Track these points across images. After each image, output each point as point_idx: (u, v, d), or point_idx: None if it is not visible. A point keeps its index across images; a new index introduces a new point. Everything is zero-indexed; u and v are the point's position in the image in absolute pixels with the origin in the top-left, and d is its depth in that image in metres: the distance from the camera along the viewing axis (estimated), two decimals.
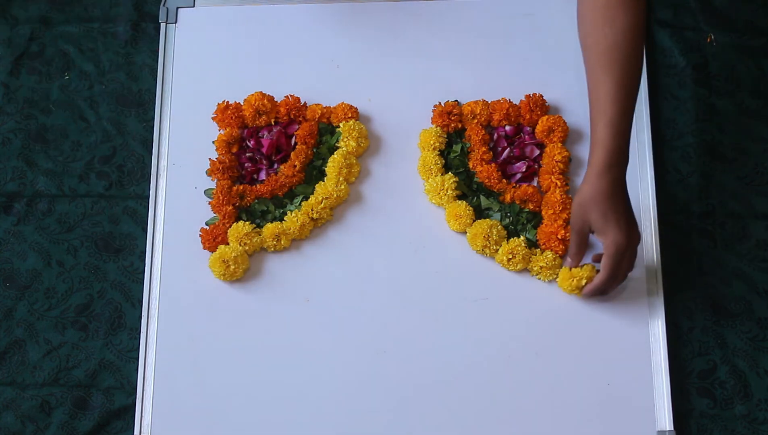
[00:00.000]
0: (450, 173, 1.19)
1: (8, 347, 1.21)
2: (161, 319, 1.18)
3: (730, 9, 1.31)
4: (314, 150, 1.23)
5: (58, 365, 1.20)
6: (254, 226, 1.19)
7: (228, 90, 1.26)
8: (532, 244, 1.17)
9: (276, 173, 1.22)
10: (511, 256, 1.15)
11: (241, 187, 1.21)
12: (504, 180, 1.19)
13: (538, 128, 1.21)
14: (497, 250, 1.16)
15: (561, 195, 1.17)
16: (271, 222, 1.19)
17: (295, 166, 1.21)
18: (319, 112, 1.23)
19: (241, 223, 1.19)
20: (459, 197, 1.19)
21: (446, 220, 1.19)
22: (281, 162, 1.22)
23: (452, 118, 1.22)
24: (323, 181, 1.21)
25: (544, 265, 1.15)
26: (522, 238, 1.17)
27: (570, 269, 1.13)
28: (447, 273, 1.18)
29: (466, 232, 1.18)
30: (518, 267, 1.16)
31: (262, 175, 1.22)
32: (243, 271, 1.18)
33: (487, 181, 1.19)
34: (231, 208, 1.20)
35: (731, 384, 1.15)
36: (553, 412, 1.12)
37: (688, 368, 1.16)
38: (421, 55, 1.28)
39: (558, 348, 1.14)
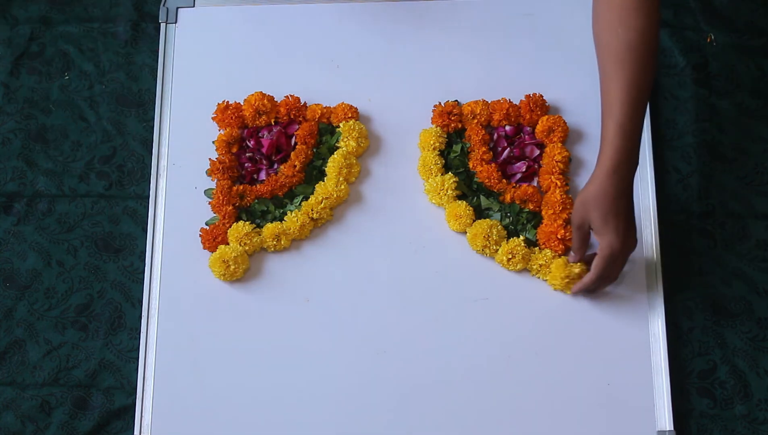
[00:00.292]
0: (450, 173, 1.19)
1: (8, 347, 1.22)
2: (161, 319, 1.18)
3: (730, 9, 1.31)
4: (314, 150, 1.23)
5: (58, 365, 1.20)
6: (254, 226, 1.19)
7: (228, 90, 1.26)
8: (531, 244, 1.17)
9: (276, 173, 1.22)
10: (510, 256, 1.15)
11: (241, 187, 1.21)
12: (504, 180, 1.19)
13: (538, 128, 1.21)
14: (497, 250, 1.16)
15: (561, 195, 1.17)
16: (271, 222, 1.19)
17: (295, 166, 1.21)
18: (319, 112, 1.23)
19: (241, 223, 1.19)
20: (459, 197, 1.19)
21: (446, 220, 1.19)
22: (281, 162, 1.22)
23: (452, 118, 1.22)
24: (323, 181, 1.21)
25: (543, 263, 1.15)
26: (522, 238, 1.17)
27: (567, 263, 1.14)
28: (447, 273, 1.18)
29: (466, 232, 1.18)
30: (518, 267, 1.16)
31: (262, 175, 1.22)
32: (243, 271, 1.18)
33: (487, 181, 1.19)
34: (231, 208, 1.20)
35: (731, 384, 1.15)
36: (553, 412, 1.12)
37: (688, 368, 1.16)
38: (421, 55, 1.28)
39: (558, 348, 1.14)
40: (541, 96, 1.22)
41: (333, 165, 1.21)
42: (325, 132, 1.24)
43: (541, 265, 1.15)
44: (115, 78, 1.33)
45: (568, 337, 1.15)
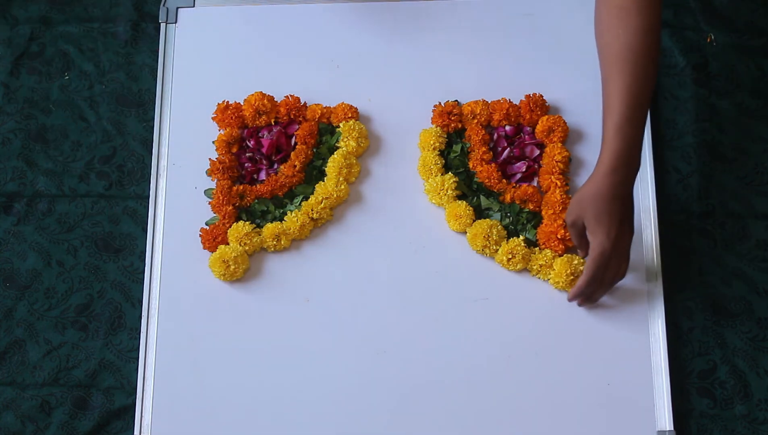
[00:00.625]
0: (450, 173, 1.19)
1: (8, 347, 1.22)
2: (161, 319, 1.18)
3: (730, 9, 1.31)
4: (314, 150, 1.23)
5: (58, 365, 1.20)
6: (254, 226, 1.19)
7: (228, 90, 1.26)
8: (531, 244, 1.17)
9: (276, 173, 1.22)
10: (510, 256, 1.15)
11: (241, 187, 1.21)
12: (504, 180, 1.19)
13: (538, 128, 1.21)
14: (497, 250, 1.16)
15: (561, 195, 1.17)
16: (271, 222, 1.19)
17: (295, 166, 1.21)
18: (319, 112, 1.23)
19: (241, 223, 1.19)
20: (459, 197, 1.19)
21: (446, 220, 1.19)
22: (281, 162, 1.22)
23: (452, 118, 1.22)
24: (323, 181, 1.21)
25: (543, 263, 1.15)
26: (522, 238, 1.17)
27: (571, 260, 1.14)
28: (447, 273, 1.18)
29: (466, 232, 1.18)
30: (518, 267, 1.16)
31: (262, 175, 1.22)
32: (243, 271, 1.18)
33: (487, 181, 1.19)
34: (231, 208, 1.20)
35: (731, 384, 1.15)
36: (553, 412, 1.12)
37: (688, 368, 1.16)
38: (421, 55, 1.28)
39: (558, 348, 1.14)
40: (541, 96, 1.22)
41: (333, 165, 1.21)
42: (325, 132, 1.24)
43: (541, 265, 1.15)
44: (115, 78, 1.33)
45: (568, 337, 1.15)
